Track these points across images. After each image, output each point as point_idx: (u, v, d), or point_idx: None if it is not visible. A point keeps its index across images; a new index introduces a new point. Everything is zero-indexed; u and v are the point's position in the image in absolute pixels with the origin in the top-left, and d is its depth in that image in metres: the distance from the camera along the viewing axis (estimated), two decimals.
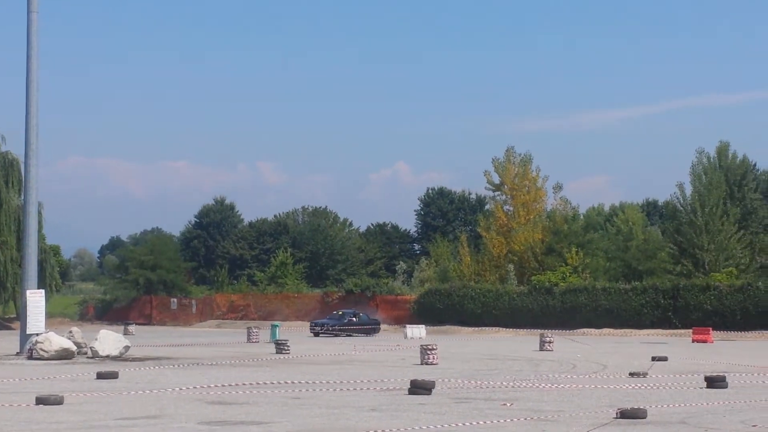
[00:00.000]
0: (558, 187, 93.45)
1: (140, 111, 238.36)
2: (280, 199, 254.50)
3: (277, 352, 48.72)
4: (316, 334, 71.71)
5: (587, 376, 35.56)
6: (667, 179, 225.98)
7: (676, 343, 63.43)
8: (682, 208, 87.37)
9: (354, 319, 74.93)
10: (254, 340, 61.40)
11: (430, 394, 27.97)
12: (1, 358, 44.00)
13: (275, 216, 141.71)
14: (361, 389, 30.05)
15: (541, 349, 52.79)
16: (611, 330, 76.14)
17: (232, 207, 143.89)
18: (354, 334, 71.42)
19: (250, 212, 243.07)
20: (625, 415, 22.83)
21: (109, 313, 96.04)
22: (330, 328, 72.27)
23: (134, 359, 43.65)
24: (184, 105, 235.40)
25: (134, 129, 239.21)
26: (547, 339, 53.95)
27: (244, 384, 31.21)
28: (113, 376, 33.40)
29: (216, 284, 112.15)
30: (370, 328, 75.13)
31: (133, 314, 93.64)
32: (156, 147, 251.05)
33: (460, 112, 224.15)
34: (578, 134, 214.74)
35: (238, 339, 63.93)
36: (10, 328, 77.86)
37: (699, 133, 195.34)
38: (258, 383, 31.55)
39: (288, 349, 48.91)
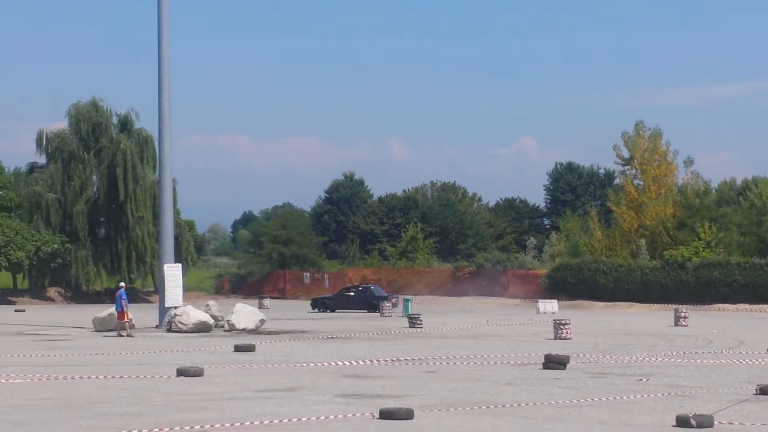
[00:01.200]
0: (689, 162, 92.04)
1: (266, 89, 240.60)
2: (408, 174, 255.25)
3: (410, 326, 48.93)
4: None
5: (724, 352, 35.08)
6: None
7: None
8: None
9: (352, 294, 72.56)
10: (387, 315, 61.68)
11: (564, 368, 27.89)
12: (142, 331, 44.98)
13: (404, 191, 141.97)
14: (495, 363, 30.10)
15: (676, 324, 52.15)
16: (747, 305, 74.88)
17: (361, 182, 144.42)
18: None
19: (378, 187, 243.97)
20: (765, 391, 22.48)
21: (243, 287, 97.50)
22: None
23: (269, 332, 44.27)
24: (311, 81, 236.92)
25: (262, 108, 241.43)
26: (682, 314, 53.25)
27: (378, 358, 31.44)
28: (250, 349, 33.95)
29: (348, 259, 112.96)
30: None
31: (267, 288, 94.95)
32: (284, 124, 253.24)
33: (586, 87, 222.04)
34: (708, 108, 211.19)
35: (370, 313, 64.33)
36: (149, 302, 79.52)
37: None
38: (393, 357, 31.74)
39: (421, 323, 49.11)
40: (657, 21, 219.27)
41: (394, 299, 68.22)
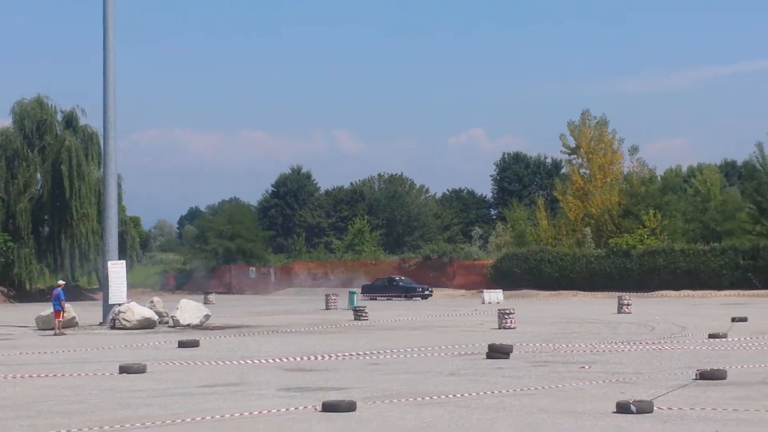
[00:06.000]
0: (634, 150, 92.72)
1: (216, 83, 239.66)
2: (357, 167, 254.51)
3: (355, 319, 48.99)
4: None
5: (666, 338, 35.39)
6: (745, 139, 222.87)
7: (756, 304, 62.75)
8: (761, 168, 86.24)
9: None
10: (332, 307, 61.72)
11: (508, 358, 28.01)
12: (85, 328, 44.71)
13: (352, 184, 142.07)
14: (439, 354, 30.18)
15: (619, 312, 52.55)
16: (690, 292, 75.60)
17: (308, 176, 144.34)
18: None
19: (326, 180, 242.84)
20: (704, 376, 22.71)
21: (189, 283, 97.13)
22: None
23: (214, 328, 44.14)
24: (259, 75, 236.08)
25: (210, 101, 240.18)
26: (625, 301, 53.66)
27: (322, 351, 31.42)
28: (194, 344, 33.83)
29: (294, 252, 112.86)
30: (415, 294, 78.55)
31: (213, 283, 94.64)
32: (233, 118, 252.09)
33: (533, 77, 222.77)
34: (654, 96, 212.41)
35: (316, 306, 64.34)
36: (93, 299, 78.96)
37: None
38: (337, 350, 31.74)
39: (366, 316, 49.19)
40: (601, 11, 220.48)
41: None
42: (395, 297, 77.00)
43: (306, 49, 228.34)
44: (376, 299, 75.42)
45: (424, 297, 77.46)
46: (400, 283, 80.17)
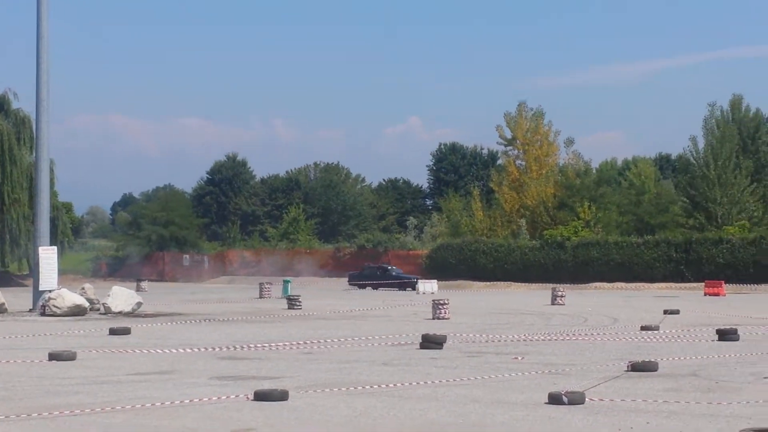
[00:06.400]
0: (570, 142, 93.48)
1: (152, 68, 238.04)
2: (293, 155, 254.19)
3: (289, 308, 48.83)
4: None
5: (599, 330, 35.57)
6: (680, 133, 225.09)
7: (688, 296, 63.42)
8: (694, 162, 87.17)
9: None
10: (266, 296, 61.53)
11: (441, 348, 28.00)
12: (15, 315, 44.17)
13: (287, 172, 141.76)
14: (373, 344, 30.11)
15: (553, 303, 52.83)
16: (623, 284, 76.24)
17: (244, 163, 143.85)
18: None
19: (262, 168, 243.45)
20: (636, 368, 22.82)
21: (121, 270, 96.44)
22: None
23: (146, 315, 43.78)
24: (196, 61, 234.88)
25: (146, 86, 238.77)
26: (559, 293, 53.96)
27: (255, 340, 31.27)
28: (125, 332, 33.51)
29: (228, 240, 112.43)
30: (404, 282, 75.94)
31: (146, 271, 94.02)
32: (168, 104, 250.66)
33: (472, 68, 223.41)
34: (591, 89, 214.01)
35: (250, 295, 64.11)
36: (23, 285, 78.14)
37: (713, 87, 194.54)
38: (270, 339, 31.60)
39: (300, 305, 49.06)
40: (538, 4, 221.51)
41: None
42: (387, 287, 74.32)
43: (241, 36, 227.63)
44: (365, 288, 74.42)
45: (416, 287, 74.08)
46: (393, 273, 77.61)
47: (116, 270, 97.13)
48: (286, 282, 65.03)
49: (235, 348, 28.65)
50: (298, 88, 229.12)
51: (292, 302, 49.64)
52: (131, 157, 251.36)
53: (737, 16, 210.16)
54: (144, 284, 73.57)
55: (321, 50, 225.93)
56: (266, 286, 63.49)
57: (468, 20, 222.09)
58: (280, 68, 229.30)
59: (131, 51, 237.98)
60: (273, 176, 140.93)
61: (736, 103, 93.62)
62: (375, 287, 74.28)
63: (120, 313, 44.15)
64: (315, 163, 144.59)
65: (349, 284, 75.50)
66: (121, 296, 45.54)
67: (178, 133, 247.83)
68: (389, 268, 79.19)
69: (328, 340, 31.05)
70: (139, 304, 45.65)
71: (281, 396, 18.48)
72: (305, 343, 30.29)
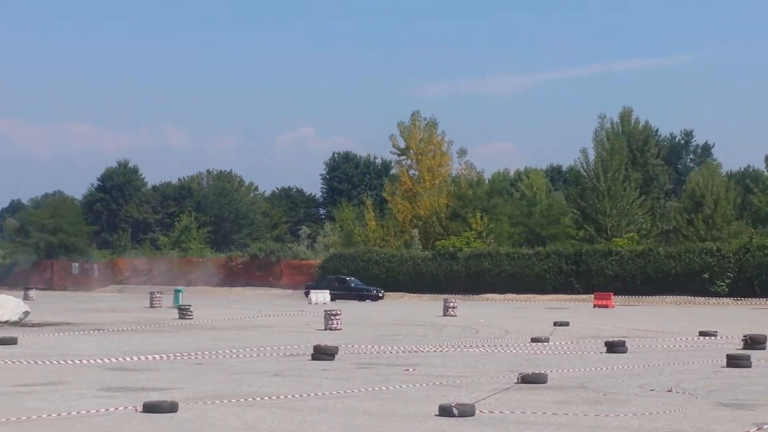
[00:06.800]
0: (463, 152, 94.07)
1: (40, 73, 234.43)
2: (186, 163, 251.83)
3: (180, 318, 48.45)
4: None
5: (490, 342, 35.79)
6: (571, 145, 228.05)
7: (578, 308, 64.16)
8: (585, 174, 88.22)
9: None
10: (157, 306, 60.98)
11: (333, 359, 27.96)
12: None
13: (180, 179, 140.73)
14: (264, 355, 29.98)
15: (445, 314, 53.05)
16: (515, 295, 76.81)
17: (135, 170, 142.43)
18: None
19: (154, 176, 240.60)
20: (526, 380, 23.00)
21: (8, 278, 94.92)
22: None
23: (34, 325, 43.10)
24: (86, 66, 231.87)
25: (35, 91, 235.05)
26: (451, 304, 54.19)
27: (145, 350, 30.93)
28: (12, 341, 32.89)
29: (119, 248, 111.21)
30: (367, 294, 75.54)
31: (34, 279, 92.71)
32: (58, 109, 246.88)
33: (365, 77, 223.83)
34: (484, 100, 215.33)
35: (140, 304, 63.47)
36: None
37: (603, 99, 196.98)
38: (160, 350, 31.28)
39: (191, 315, 48.71)
40: (433, 13, 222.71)
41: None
42: (345, 298, 73.15)
43: (132, 41, 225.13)
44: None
45: (375, 299, 74.73)
46: (352, 284, 77.08)
47: (3, 278, 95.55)
48: (177, 291, 64.46)
49: (125, 359, 28.30)
50: (190, 94, 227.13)
51: (184, 312, 49.28)
52: (19, 162, 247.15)
53: (627, 30, 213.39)
54: (32, 293, 72.49)
55: (212, 54, 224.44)
56: (157, 296, 62.92)
57: (362, 23, 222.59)
58: (172, 73, 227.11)
59: (20, 52, 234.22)
60: (165, 184, 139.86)
61: (625, 115, 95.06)
62: (333, 298, 72.81)
63: (6, 322, 43.38)
64: (208, 171, 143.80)
65: (306, 296, 73.83)
66: (7, 305, 44.76)
67: (68, 139, 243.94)
68: (347, 279, 78.43)
69: (220, 351, 30.83)
70: (26, 313, 44.93)
71: (171, 408, 18.30)
72: (196, 353, 30.05)
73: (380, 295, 76.03)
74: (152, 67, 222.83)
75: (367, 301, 73.84)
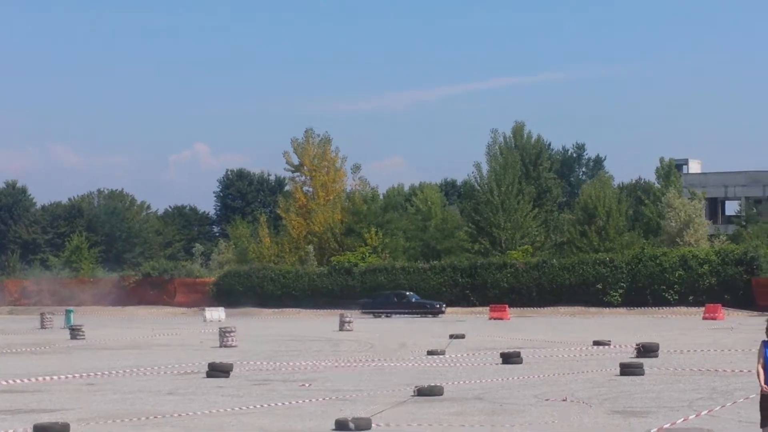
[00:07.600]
0: (357, 168, 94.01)
1: None
2: (76, 182, 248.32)
3: (71, 338, 47.73)
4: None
5: (386, 355, 35.79)
6: (466, 160, 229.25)
7: (474, 320, 64.49)
8: (479, 188, 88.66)
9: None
10: (48, 326, 60.00)
11: (228, 376, 27.74)
12: None
13: (70, 199, 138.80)
14: (158, 373, 29.63)
15: (341, 329, 52.98)
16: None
17: (24, 190, 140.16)
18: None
19: (43, 196, 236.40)
20: (422, 392, 23.01)
21: None
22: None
23: None
24: None
25: None
26: (347, 319, 54.14)
27: (36, 372, 30.36)
28: None
29: (7, 270, 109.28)
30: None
31: None
32: None
33: (259, 94, 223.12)
34: (377, 116, 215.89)
35: (31, 326, 62.43)
36: None
37: (497, 114, 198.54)
38: (52, 371, 30.73)
39: (83, 335, 48.03)
40: (324, 32, 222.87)
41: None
42: (405, 314, 71.06)
43: (17, 59, 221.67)
44: (381, 317, 71.21)
45: (436, 314, 70.84)
46: (412, 299, 73.31)
47: None
48: (68, 312, 63.42)
49: (15, 381, 27.75)
50: (79, 113, 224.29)
51: (75, 332, 48.58)
52: None
53: (519, 45, 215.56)
54: None
55: (101, 71, 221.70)
56: (48, 317, 61.89)
57: (258, 39, 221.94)
58: (59, 91, 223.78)
59: None
60: (55, 203, 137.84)
61: (518, 129, 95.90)
62: (390, 315, 71.23)
63: None
64: (99, 190, 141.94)
65: (362, 313, 71.37)
66: None
67: None
68: (407, 294, 74.43)
69: (113, 371, 30.41)
70: None
71: (62, 429, 17.96)
72: (88, 373, 29.59)
73: (443, 309, 71.74)
74: (38, 85, 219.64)
75: (428, 317, 70.51)
